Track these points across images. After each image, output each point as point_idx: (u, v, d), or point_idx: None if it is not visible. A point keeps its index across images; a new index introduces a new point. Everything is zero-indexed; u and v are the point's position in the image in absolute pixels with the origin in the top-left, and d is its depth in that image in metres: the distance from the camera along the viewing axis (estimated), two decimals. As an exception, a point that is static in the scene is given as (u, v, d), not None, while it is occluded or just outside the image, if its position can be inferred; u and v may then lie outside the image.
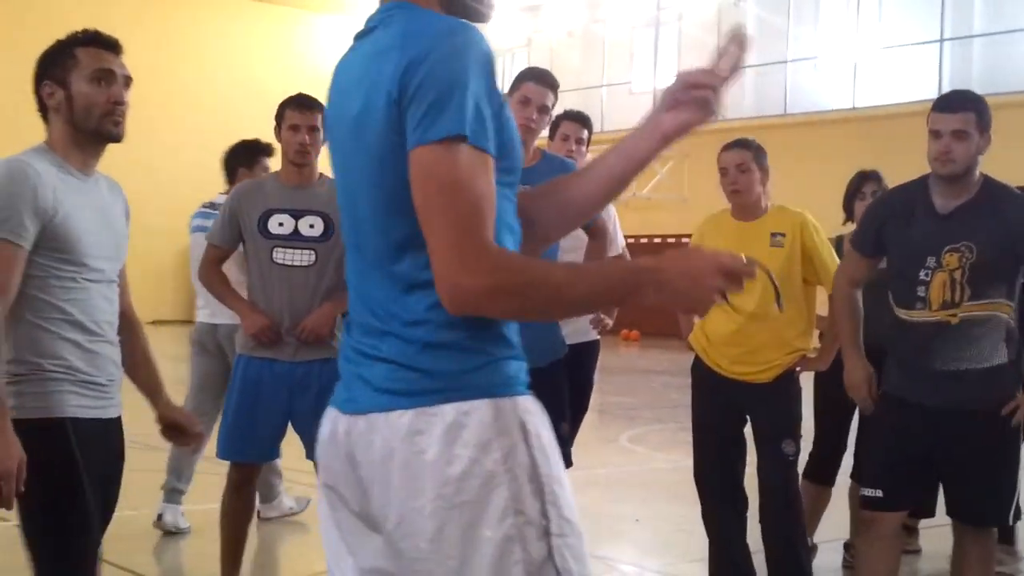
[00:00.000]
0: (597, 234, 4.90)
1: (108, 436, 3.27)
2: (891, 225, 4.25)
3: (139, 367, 3.48)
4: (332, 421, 2.07)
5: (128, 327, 3.43)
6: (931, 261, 4.09)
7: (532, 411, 1.97)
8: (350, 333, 2.07)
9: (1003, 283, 4.09)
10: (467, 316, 1.89)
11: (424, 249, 1.89)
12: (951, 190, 4.13)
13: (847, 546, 5.88)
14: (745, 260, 1.90)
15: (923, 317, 4.12)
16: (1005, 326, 4.11)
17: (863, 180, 5.84)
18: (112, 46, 3.20)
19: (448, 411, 1.90)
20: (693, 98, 2.14)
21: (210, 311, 6.02)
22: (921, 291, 4.10)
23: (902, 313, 4.20)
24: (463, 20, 1.96)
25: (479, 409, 1.90)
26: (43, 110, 3.22)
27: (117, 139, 3.21)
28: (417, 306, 1.93)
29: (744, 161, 4.79)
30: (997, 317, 4.09)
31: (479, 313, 1.88)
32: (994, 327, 4.09)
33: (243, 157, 6.40)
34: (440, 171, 1.84)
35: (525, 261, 1.91)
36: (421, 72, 1.86)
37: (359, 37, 2.08)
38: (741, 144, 4.87)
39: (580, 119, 5.75)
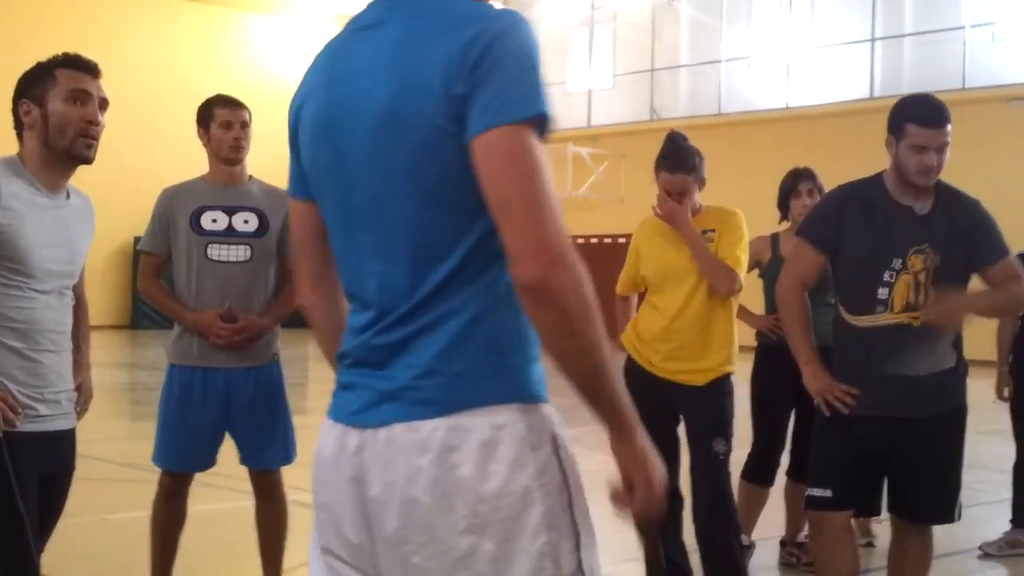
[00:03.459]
0: None
1: (54, 447, 3.31)
2: (851, 220, 4.08)
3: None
4: (339, 436, 1.94)
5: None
6: (897, 263, 4.02)
7: (558, 420, 1.93)
8: (354, 339, 1.96)
9: (957, 287, 4.07)
10: (498, 314, 1.85)
11: (462, 240, 1.83)
12: (915, 193, 4.05)
13: (783, 543, 5.91)
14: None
15: (883, 321, 4.05)
16: (955, 331, 4.13)
17: (798, 178, 5.83)
18: (91, 69, 3.33)
19: (482, 426, 1.83)
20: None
21: None
22: (883, 293, 4.02)
23: (855, 320, 4.10)
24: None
25: (513, 423, 1.85)
26: (18, 128, 3.30)
27: (87, 161, 3.29)
28: (450, 303, 1.85)
29: (687, 189, 4.75)
30: None
31: (546, 302, 1.76)
32: (948, 332, 4.09)
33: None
34: (522, 153, 1.76)
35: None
36: (491, 53, 1.78)
37: (362, 28, 1.96)
38: (684, 169, 4.75)
39: None
